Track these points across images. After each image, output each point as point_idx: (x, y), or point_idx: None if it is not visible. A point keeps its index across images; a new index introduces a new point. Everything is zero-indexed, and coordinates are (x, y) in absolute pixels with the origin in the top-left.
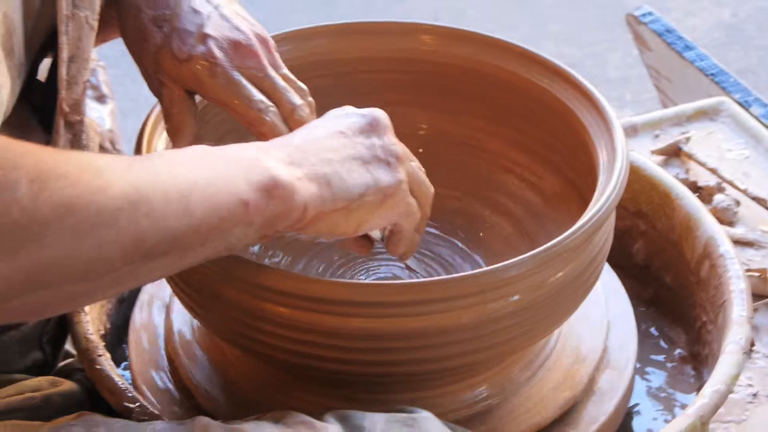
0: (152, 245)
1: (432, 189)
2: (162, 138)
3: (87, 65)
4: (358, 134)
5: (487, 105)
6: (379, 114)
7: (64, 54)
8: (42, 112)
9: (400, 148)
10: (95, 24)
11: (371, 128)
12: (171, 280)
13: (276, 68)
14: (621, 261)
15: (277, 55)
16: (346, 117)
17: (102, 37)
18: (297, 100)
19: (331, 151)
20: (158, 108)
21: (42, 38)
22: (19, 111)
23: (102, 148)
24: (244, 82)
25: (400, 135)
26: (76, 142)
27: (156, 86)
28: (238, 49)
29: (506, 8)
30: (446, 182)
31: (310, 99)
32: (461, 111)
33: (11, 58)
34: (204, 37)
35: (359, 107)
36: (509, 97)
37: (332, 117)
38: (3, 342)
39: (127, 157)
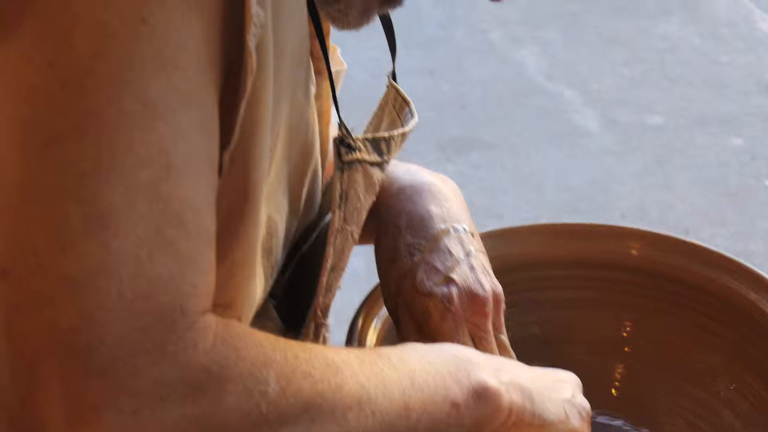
0: None
1: None
2: (373, 328)
3: (342, 274)
4: (560, 378)
5: (693, 314)
6: (577, 377)
7: (329, 264)
8: (279, 301)
9: (589, 408)
10: (357, 238)
11: (569, 380)
12: None
13: (497, 330)
14: None
15: (502, 318)
16: (549, 369)
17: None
18: None
19: (536, 377)
20: (371, 298)
21: (295, 239)
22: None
23: None
24: (468, 336)
25: (605, 336)
26: (315, 341)
27: (392, 307)
28: (473, 302)
29: (715, 203)
30: (643, 390)
31: None
32: (667, 319)
33: (268, 258)
34: (448, 281)
35: (561, 307)
36: (716, 308)
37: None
38: None
39: (356, 352)
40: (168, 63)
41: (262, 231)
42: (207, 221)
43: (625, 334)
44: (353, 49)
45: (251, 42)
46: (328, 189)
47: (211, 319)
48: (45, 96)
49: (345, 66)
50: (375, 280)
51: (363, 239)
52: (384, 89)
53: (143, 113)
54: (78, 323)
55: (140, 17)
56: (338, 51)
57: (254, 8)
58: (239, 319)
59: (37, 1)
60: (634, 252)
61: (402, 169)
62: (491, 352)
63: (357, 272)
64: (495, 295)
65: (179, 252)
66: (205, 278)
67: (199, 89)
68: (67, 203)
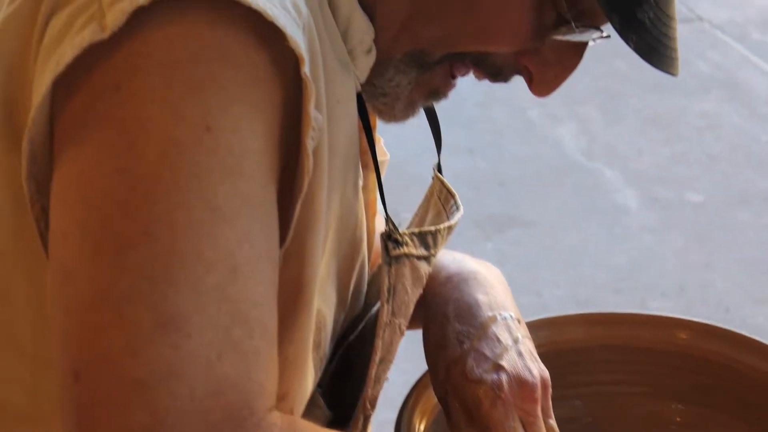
0: None
1: None
2: (421, 414)
3: (390, 366)
4: None
5: (741, 405)
6: None
7: (377, 356)
8: (325, 389)
9: None
10: (405, 329)
11: None
12: None
13: (546, 415)
14: None
15: (550, 402)
16: None
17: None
18: None
19: None
20: (420, 385)
21: (342, 330)
22: None
23: None
24: (518, 423)
25: (652, 419)
26: (363, 430)
27: (441, 393)
28: (522, 388)
29: (757, 281)
30: None
31: None
32: (715, 407)
33: (317, 351)
34: (498, 368)
35: (607, 389)
36: (762, 395)
37: None
38: None
39: None
40: (232, 168)
41: (313, 325)
42: (269, 319)
43: (674, 416)
44: (394, 126)
45: (309, 145)
46: (374, 280)
47: (277, 416)
48: (114, 202)
49: (388, 156)
50: (415, 358)
51: (411, 326)
52: (421, 167)
53: (210, 218)
54: (151, 425)
55: (205, 125)
56: (381, 141)
57: (313, 112)
58: (291, 410)
59: (104, 110)
60: (681, 341)
61: (448, 257)
62: None
63: (398, 352)
64: (543, 381)
65: (246, 352)
66: (269, 376)
67: (260, 191)
68: (137, 307)
